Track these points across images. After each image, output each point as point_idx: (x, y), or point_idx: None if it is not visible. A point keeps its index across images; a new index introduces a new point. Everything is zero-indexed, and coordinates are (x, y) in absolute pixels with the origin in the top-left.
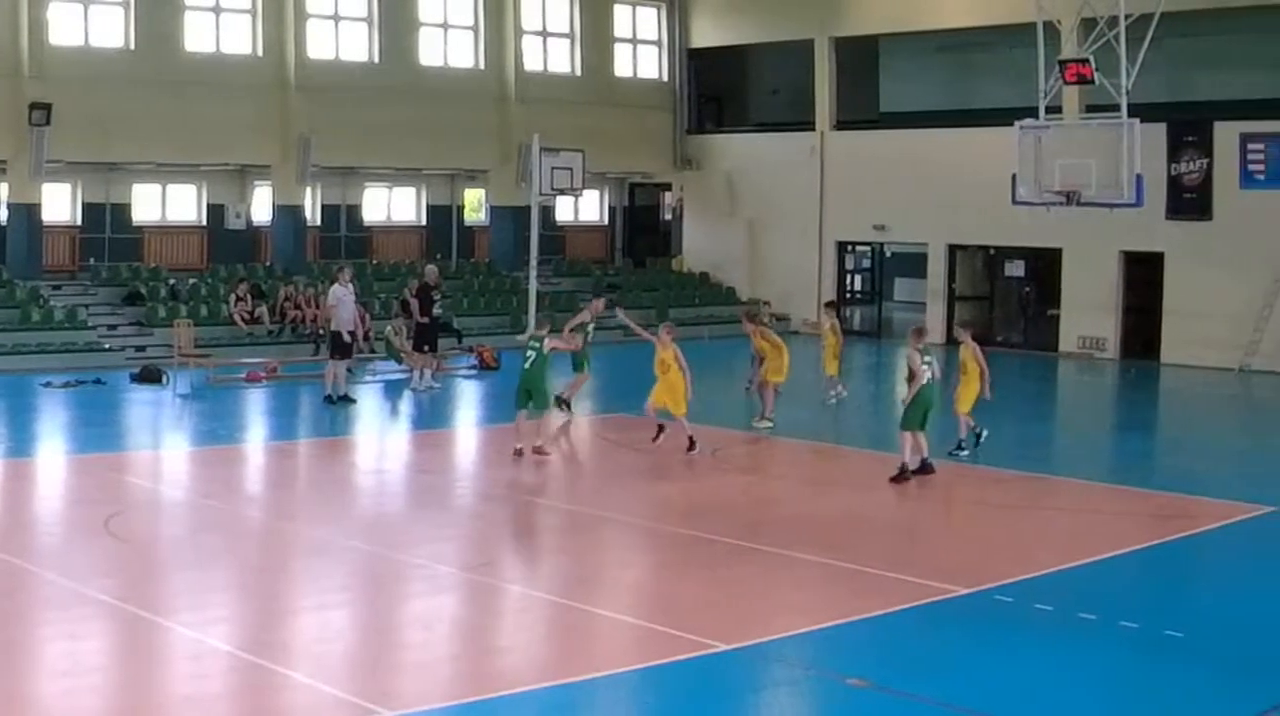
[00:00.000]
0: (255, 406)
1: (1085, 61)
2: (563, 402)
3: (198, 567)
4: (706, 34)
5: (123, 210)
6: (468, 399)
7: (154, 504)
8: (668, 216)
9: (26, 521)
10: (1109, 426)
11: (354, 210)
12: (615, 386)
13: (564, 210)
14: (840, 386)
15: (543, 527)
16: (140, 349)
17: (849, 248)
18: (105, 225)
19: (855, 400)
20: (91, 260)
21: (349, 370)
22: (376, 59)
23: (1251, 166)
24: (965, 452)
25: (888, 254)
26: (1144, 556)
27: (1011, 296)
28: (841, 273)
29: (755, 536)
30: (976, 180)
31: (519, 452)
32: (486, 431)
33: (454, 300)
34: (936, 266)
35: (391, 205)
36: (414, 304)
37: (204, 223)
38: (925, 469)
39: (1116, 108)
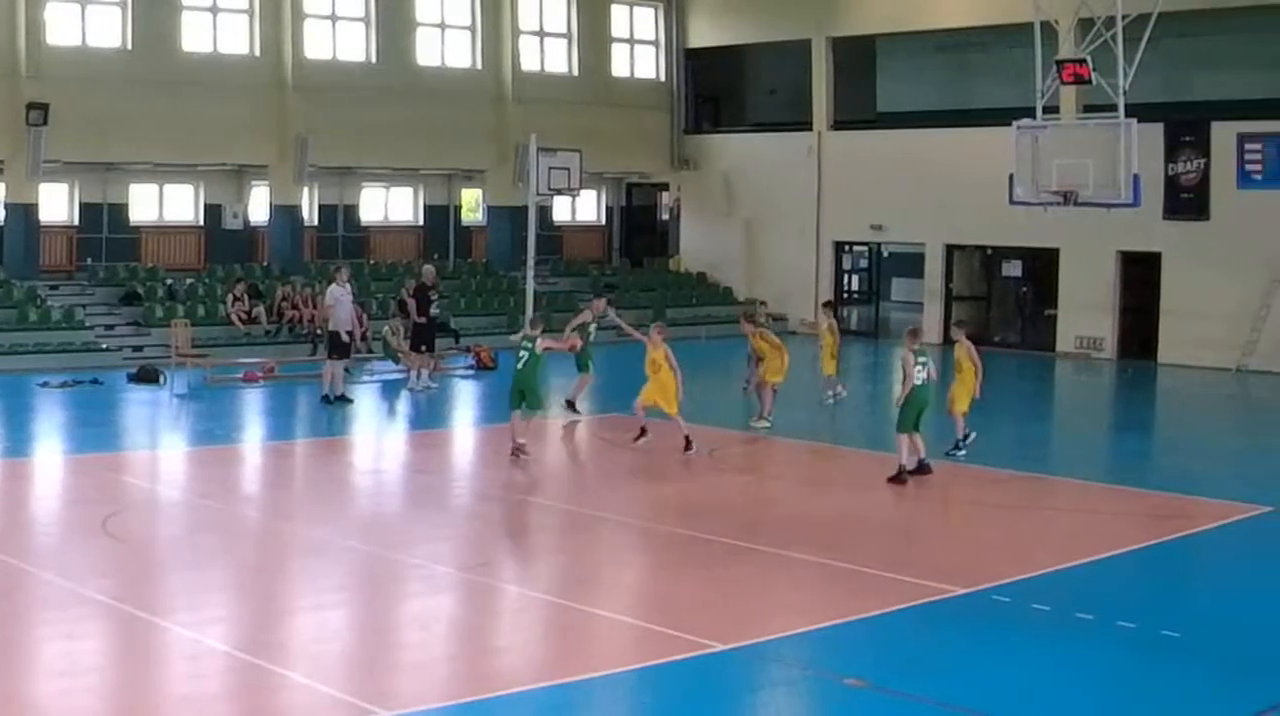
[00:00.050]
0: (252, 406)
1: (1083, 61)
2: (570, 405)
3: (195, 567)
4: (704, 34)
5: (120, 210)
6: (465, 399)
7: (151, 504)
8: (665, 216)
9: (24, 521)
10: (1106, 426)
11: (351, 210)
12: (611, 386)
13: (561, 210)
14: (839, 386)
15: (540, 527)
16: (137, 349)
17: (846, 247)
18: (102, 225)
19: (853, 400)
20: (89, 260)
21: (346, 370)
22: (374, 59)
23: (1249, 166)
24: (963, 453)
25: (885, 254)
26: (1141, 556)
27: (1009, 296)
28: (839, 272)
29: (753, 536)
30: (974, 180)
31: (515, 453)
32: (483, 431)
33: (451, 300)
34: (934, 266)
35: (389, 205)
36: (411, 304)
37: (201, 223)
38: (922, 469)
39: (1114, 108)
